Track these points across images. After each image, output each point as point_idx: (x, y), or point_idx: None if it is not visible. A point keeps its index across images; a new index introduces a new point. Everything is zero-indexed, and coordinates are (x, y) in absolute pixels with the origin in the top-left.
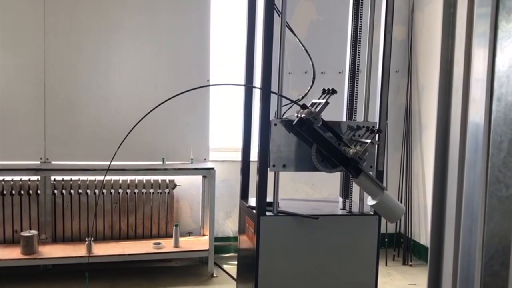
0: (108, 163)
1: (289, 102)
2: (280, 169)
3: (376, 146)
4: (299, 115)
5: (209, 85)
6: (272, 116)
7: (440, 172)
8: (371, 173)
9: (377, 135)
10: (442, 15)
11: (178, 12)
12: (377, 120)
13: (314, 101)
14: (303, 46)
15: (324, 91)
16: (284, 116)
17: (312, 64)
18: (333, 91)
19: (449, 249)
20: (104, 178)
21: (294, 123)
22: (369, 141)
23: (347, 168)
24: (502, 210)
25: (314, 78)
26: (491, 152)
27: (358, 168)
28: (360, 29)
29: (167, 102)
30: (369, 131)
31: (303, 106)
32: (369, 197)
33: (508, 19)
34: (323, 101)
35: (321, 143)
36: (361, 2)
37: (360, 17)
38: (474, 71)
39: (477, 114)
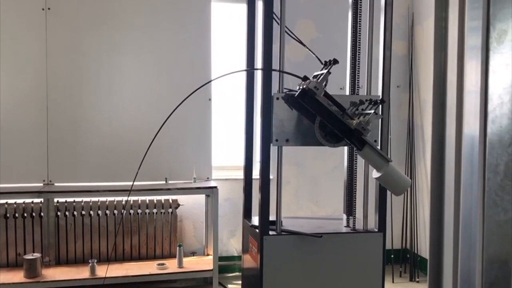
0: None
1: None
2: (283, 143)
3: (380, 119)
4: (300, 87)
5: (210, 81)
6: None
7: (436, 196)
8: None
9: (380, 105)
10: (434, 29)
11: (178, 32)
12: (379, 135)
13: (316, 73)
14: (303, 43)
15: (325, 62)
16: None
17: (316, 56)
18: (335, 61)
19: (448, 275)
20: (128, 198)
21: (296, 95)
22: (372, 111)
23: (351, 140)
24: (501, 235)
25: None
26: (487, 176)
27: (362, 139)
28: (359, 45)
29: (169, 122)
30: (372, 104)
31: (304, 78)
32: (374, 170)
33: (498, 40)
34: (325, 71)
35: (324, 115)
36: (360, 20)
37: (359, 34)
38: (467, 85)
39: (471, 137)
